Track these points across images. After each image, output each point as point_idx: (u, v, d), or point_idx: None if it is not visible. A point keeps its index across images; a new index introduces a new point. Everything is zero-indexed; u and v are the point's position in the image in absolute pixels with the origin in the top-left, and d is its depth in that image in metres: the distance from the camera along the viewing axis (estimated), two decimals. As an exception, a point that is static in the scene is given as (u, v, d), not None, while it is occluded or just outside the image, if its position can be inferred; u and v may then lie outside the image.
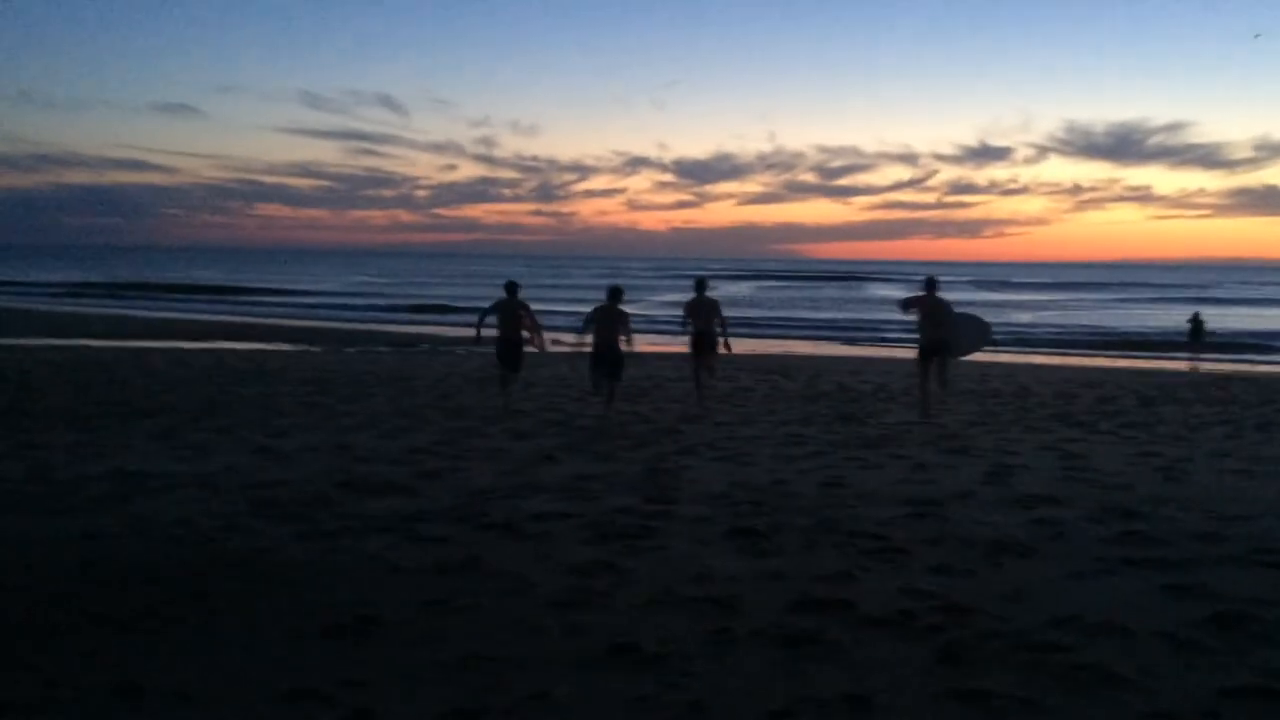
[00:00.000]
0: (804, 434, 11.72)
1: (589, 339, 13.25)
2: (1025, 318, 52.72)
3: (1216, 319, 44.31)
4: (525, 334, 13.57)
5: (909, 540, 6.64)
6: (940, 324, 13.37)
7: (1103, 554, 6.40)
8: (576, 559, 6.12)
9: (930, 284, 13.67)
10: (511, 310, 13.53)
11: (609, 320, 13.07)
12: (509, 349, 13.53)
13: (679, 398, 15.69)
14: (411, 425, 11.98)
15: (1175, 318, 48.59)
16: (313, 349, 29.31)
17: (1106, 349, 35.00)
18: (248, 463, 9.26)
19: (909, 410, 14.41)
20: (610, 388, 12.99)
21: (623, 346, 13.11)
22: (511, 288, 13.78)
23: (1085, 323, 48.66)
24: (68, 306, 47.21)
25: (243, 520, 6.98)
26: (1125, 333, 41.18)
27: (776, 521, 7.13)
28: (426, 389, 16.39)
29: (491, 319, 13.65)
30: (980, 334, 14.56)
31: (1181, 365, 28.82)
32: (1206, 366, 28.55)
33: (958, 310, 14.20)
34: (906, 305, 14.01)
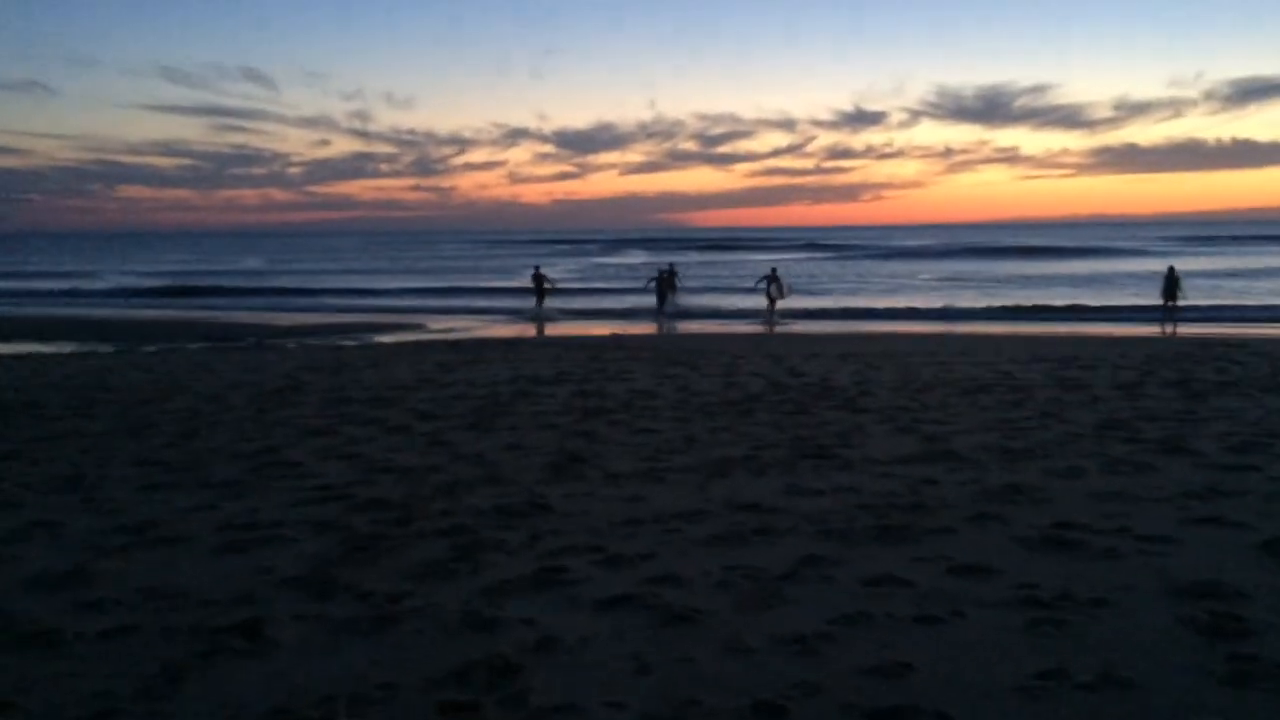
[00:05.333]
0: (761, 501, 6.73)
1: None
2: (929, 280, 49.15)
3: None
4: (546, 284, 33.05)
5: None
6: (778, 285, 30.51)
7: None
8: None
9: (774, 269, 31.33)
10: (538, 277, 32.88)
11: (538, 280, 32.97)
12: (538, 289, 32.62)
13: (553, 418, 10.54)
14: (44, 521, 6.52)
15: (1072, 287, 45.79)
16: (102, 348, 23.29)
17: (1042, 314, 31.18)
18: None
19: (892, 428, 9.60)
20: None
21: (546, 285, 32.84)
22: (537, 268, 33.68)
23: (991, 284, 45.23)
24: None
25: None
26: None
27: None
28: (174, 419, 10.88)
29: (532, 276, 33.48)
30: (789, 288, 31.43)
31: (1152, 330, 24.96)
32: (1185, 330, 24.80)
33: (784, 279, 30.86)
34: (761, 278, 31.19)
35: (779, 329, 27.53)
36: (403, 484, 7.42)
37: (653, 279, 32.58)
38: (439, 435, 9.56)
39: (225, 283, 51.44)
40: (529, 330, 28.41)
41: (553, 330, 28.41)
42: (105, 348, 23.44)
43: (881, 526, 5.96)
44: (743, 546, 5.63)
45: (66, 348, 23.70)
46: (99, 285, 51.97)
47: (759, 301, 32.94)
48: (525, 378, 14.51)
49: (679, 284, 32.56)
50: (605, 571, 5.20)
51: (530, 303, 33.35)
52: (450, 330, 28.55)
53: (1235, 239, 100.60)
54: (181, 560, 5.56)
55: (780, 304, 30.95)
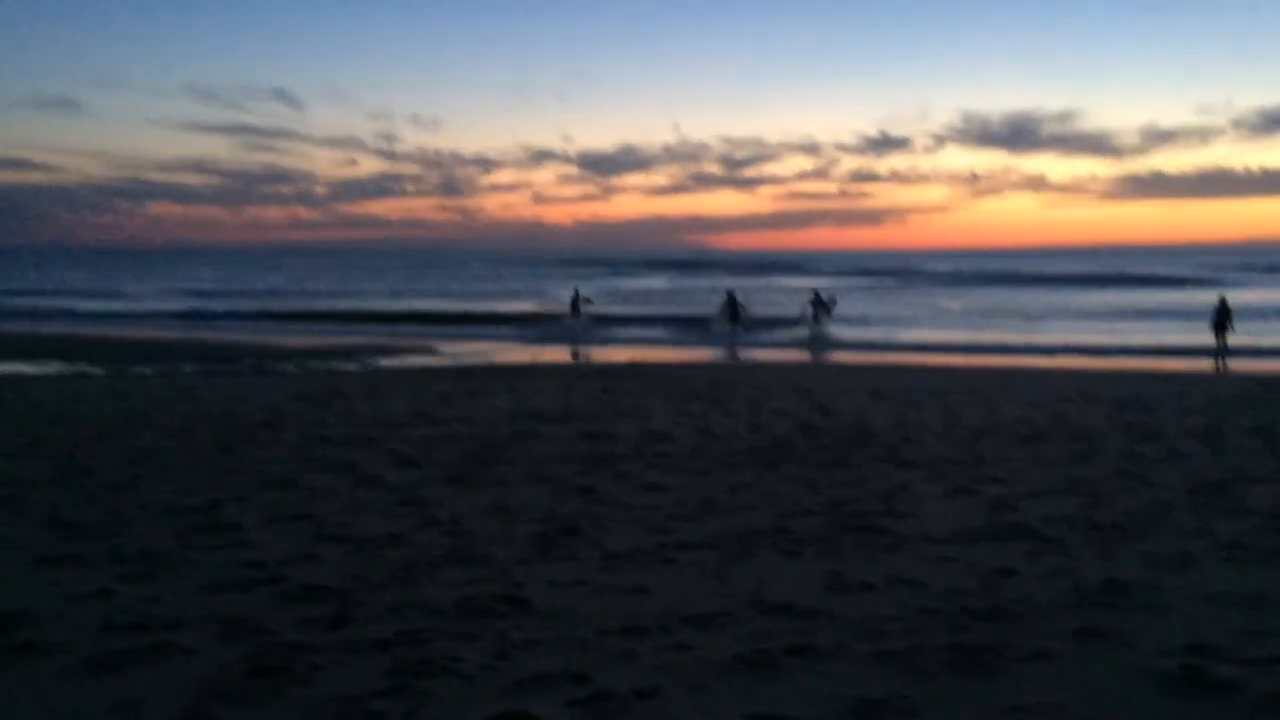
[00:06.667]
0: (795, 600, 5.28)
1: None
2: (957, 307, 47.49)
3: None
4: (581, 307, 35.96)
5: None
6: (825, 309, 33.26)
7: None
8: None
9: (816, 292, 34.25)
10: (575, 297, 36.05)
11: (576, 297, 36.19)
12: (574, 309, 35.61)
13: (552, 466, 9.11)
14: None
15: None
16: (91, 370, 22.22)
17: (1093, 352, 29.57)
18: None
19: (946, 489, 8.12)
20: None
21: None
22: (576, 290, 37.01)
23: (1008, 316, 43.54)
24: None
25: None
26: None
27: None
28: (122, 460, 9.55)
29: (571, 298, 36.53)
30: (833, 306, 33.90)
31: (1203, 366, 23.36)
32: (1238, 366, 23.18)
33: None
34: (808, 304, 33.75)
35: (814, 359, 26.24)
36: (352, 561, 6.03)
37: (724, 303, 34.21)
38: (414, 490, 8.18)
39: (240, 305, 50.27)
40: (543, 354, 27.23)
41: (570, 355, 27.18)
42: (95, 369, 22.34)
43: (956, 647, 4.51)
44: (774, 678, 4.20)
45: (52, 369, 22.62)
46: (113, 305, 51.10)
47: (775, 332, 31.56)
48: (528, 414, 13.14)
49: (744, 311, 33.45)
50: (586, 723, 3.77)
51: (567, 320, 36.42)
52: (462, 355, 27.35)
53: (1273, 269, 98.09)
54: (32, 682, 4.19)
55: (825, 328, 32.99)
